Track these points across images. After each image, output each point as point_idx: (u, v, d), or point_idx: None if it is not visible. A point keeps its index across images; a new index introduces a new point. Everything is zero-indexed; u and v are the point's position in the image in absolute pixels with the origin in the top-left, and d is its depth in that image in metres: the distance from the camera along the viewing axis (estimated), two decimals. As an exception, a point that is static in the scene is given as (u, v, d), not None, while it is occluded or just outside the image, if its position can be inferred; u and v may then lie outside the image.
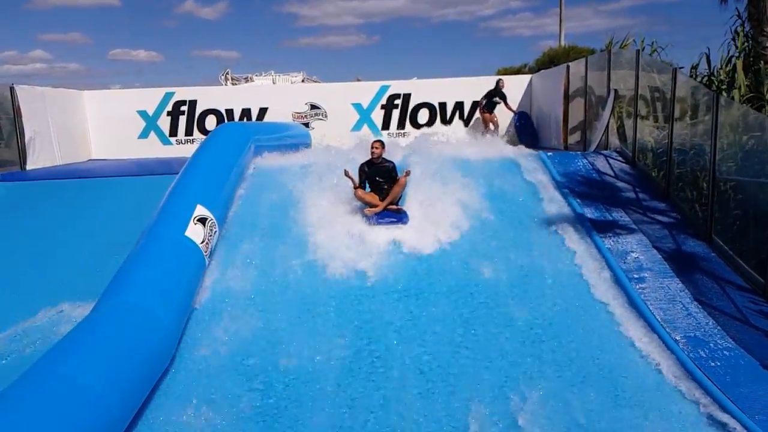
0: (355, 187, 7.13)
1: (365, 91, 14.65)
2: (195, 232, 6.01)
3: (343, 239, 6.72)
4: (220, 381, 4.82)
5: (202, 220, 6.19)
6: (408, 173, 7.31)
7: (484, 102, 13.54)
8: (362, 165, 7.29)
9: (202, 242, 6.03)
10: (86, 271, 6.48)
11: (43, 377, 3.76)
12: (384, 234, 6.86)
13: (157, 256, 5.56)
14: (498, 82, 13.72)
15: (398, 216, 7.09)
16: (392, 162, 7.37)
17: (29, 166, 11.09)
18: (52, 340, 4.75)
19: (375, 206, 7.05)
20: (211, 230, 6.26)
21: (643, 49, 11.55)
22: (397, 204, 7.24)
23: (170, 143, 14.31)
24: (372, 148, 7.23)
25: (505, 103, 13.59)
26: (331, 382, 4.82)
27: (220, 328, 5.46)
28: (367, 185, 7.33)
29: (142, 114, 14.30)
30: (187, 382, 4.81)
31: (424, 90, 14.72)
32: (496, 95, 13.55)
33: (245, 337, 5.34)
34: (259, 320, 5.59)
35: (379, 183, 7.22)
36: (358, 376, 4.88)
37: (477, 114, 14.35)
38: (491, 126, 13.59)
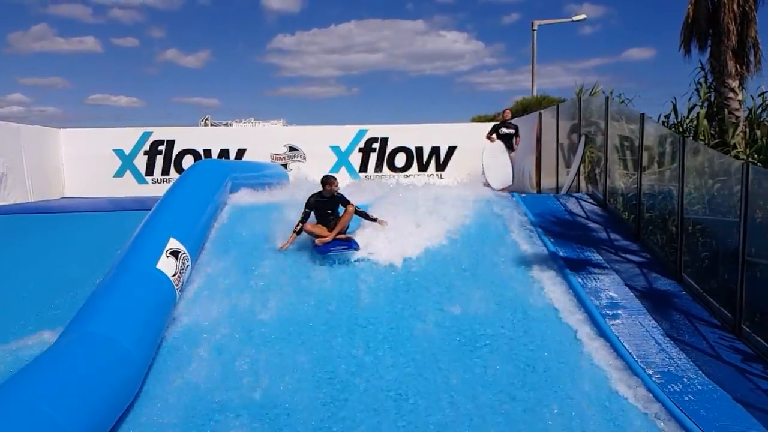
0: (296, 232, 7.13)
1: (343, 134, 14.89)
2: (167, 265, 5.90)
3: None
4: (189, 414, 4.64)
5: (175, 253, 6.09)
6: (383, 222, 7.42)
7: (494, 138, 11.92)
8: (312, 196, 7.26)
9: (174, 275, 5.91)
10: (53, 303, 6.29)
11: (2, 404, 3.62)
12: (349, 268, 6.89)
13: (126, 288, 5.43)
14: (504, 112, 12.39)
15: (348, 243, 7.08)
16: (341, 194, 7.39)
17: (0, 202, 10.86)
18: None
19: (324, 236, 7.06)
20: (183, 263, 6.15)
21: (611, 98, 12.04)
22: (345, 233, 7.26)
23: (146, 182, 14.22)
24: (330, 185, 7.21)
25: (515, 137, 11.91)
26: (300, 412, 4.67)
27: (190, 361, 5.28)
28: (314, 217, 7.31)
29: (119, 153, 14.25)
30: (155, 415, 4.62)
31: (401, 135, 15.02)
32: (504, 127, 11.95)
33: (215, 371, 5.17)
34: (230, 353, 5.43)
35: (327, 215, 7.25)
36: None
37: (452, 159, 14.65)
38: None
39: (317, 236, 7.10)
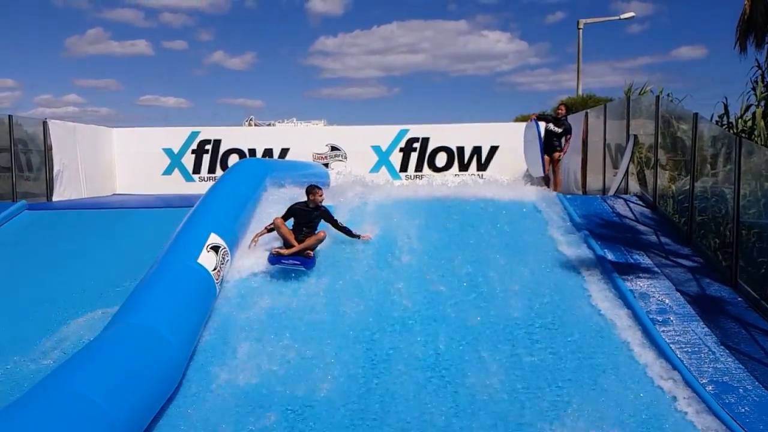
0: (267, 229, 6.95)
1: (385, 134, 14.87)
2: (207, 260, 6.01)
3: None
4: (228, 407, 4.70)
5: (215, 248, 6.20)
6: (366, 237, 7.31)
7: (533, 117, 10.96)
8: (294, 205, 7.07)
9: (214, 269, 6.02)
10: (103, 294, 6.51)
11: (51, 392, 3.75)
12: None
13: (168, 282, 5.56)
14: (558, 107, 11.24)
15: (303, 260, 6.71)
16: (326, 208, 7.19)
17: (55, 198, 11.35)
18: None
19: (290, 247, 6.72)
20: (223, 258, 6.26)
21: (661, 97, 11.61)
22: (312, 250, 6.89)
23: (193, 180, 14.57)
24: (315, 195, 6.98)
25: (565, 137, 10.86)
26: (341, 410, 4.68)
27: (230, 354, 5.36)
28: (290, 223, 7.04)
29: (168, 151, 14.66)
30: (194, 406, 4.70)
31: (442, 134, 14.88)
32: (554, 124, 10.82)
33: (256, 365, 5.22)
34: (272, 349, 5.48)
35: (301, 226, 6.94)
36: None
37: (494, 159, 14.43)
38: (550, 172, 10.83)
39: (284, 242, 6.81)
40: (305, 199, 7.09)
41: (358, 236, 7.32)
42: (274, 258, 6.69)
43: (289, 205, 7.18)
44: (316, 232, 6.97)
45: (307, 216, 7.00)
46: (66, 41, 53.31)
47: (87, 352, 4.35)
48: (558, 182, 11.09)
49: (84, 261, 7.52)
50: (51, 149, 11.32)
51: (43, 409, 3.56)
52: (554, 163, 10.90)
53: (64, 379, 3.93)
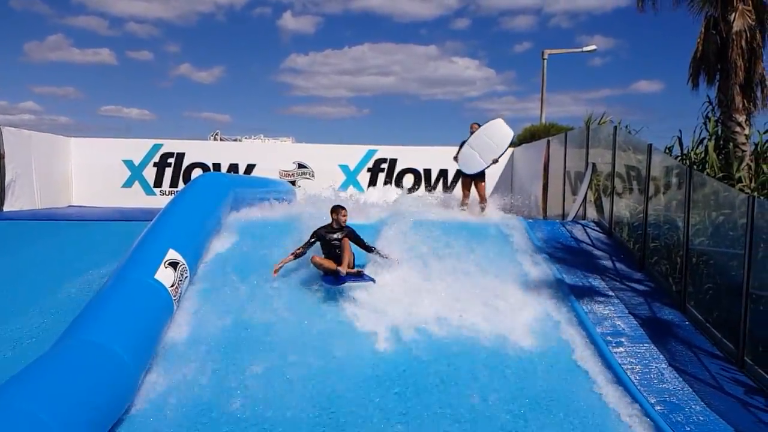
0: (294, 255, 6.74)
1: (352, 153, 14.98)
2: (165, 276, 5.89)
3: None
4: (181, 425, 4.59)
5: (174, 264, 6.08)
6: (397, 260, 6.95)
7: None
8: (319, 230, 6.86)
9: (172, 286, 5.89)
10: (51, 308, 6.29)
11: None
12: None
13: (123, 297, 5.40)
14: (471, 126, 10.70)
15: (361, 277, 6.57)
16: (350, 228, 6.93)
17: (6, 208, 10.96)
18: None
19: (335, 271, 6.49)
20: (182, 275, 6.14)
21: (619, 128, 12.07)
22: (354, 267, 6.70)
23: (154, 194, 14.31)
24: (339, 215, 6.80)
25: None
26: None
27: (186, 372, 5.24)
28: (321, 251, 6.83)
29: (128, 163, 14.38)
30: (148, 425, 4.57)
31: (410, 156, 15.10)
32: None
33: (210, 384, 5.12)
34: (226, 367, 5.38)
35: (332, 250, 6.73)
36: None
37: (460, 182, 14.67)
38: (468, 199, 10.45)
39: (326, 269, 6.59)
40: (326, 222, 6.85)
41: (387, 257, 6.92)
42: (338, 278, 6.44)
43: (312, 233, 6.84)
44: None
45: (335, 238, 6.76)
46: (25, 46, 51.75)
47: (35, 369, 4.18)
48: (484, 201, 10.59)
49: (35, 274, 7.25)
50: (3, 157, 10.96)
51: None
52: (479, 190, 10.55)
53: (11, 396, 3.79)
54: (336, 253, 6.68)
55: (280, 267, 6.76)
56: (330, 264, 6.59)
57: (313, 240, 6.83)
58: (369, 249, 7.01)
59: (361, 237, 7.00)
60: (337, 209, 6.88)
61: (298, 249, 6.80)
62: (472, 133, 10.67)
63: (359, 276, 6.62)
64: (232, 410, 4.82)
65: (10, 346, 5.65)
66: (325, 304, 6.56)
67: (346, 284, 6.55)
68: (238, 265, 7.21)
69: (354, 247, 6.88)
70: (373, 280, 6.64)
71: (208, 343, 5.73)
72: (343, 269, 6.48)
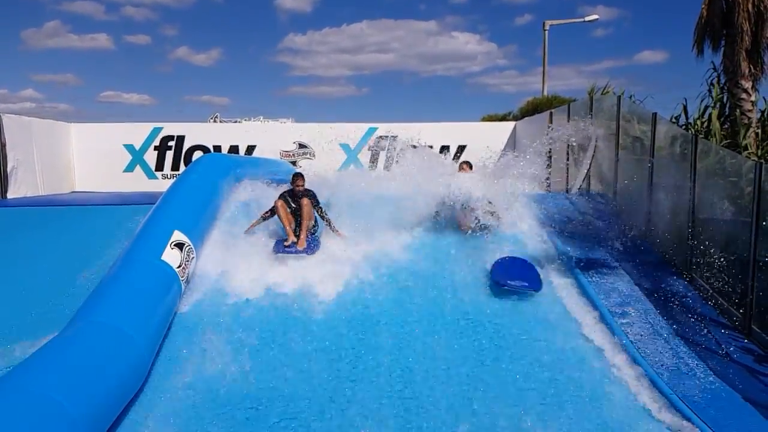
0: (262, 218, 7.35)
1: (353, 132, 14.86)
2: (172, 257, 5.91)
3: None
4: (194, 405, 4.67)
5: (180, 245, 6.09)
6: (342, 235, 7.36)
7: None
8: (283, 193, 7.45)
9: (179, 267, 5.92)
10: (61, 295, 6.30)
11: (10, 392, 3.66)
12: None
13: (131, 279, 5.44)
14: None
15: (306, 248, 7.00)
16: (312, 192, 7.52)
17: (10, 195, 10.96)
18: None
19: (292, 238, 7.05)
20: (188, 255, 6.16)
21: (622, 98, 11.92)
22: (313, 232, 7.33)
23: (156, 177, 14.29)
24: (296, 183, 7.41)
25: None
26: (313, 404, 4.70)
27: (196, 349, 5.29)
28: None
29: (129, 148, 14.33)
30: (159, 404, 4.64)
31: (410, 133, 14.91)
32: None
33: (220, 361, 5.18)
34: (235, 345, 5.43)
35: (296, 210, 7.33)
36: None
37: (462, 157, 14.56)
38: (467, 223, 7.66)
39: (284, 225, 7.13)
40: (290, 188, 7.50)
41: (337, 231, 7.43)
42: (282, 248, 6.95)
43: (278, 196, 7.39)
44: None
45: (297, 200, 7.35)
46: (22, 34, 51.36)
47: (47, 351, 4.24)
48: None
49: (41, 260, 7.28)
50: (5, 145, 10.93)
51: (1, 408, 3.48)
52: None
53: (24, 378, 3.84)
54: (297, 214, 7.30)
55: (251, 228, 7.34)
56: (286, 218, 7.18)
57: (278, 203, 7.33)
58: (323, 218, 7.52)
59: (320, 205, 7.55)
60: (294, 178, 7.50)
61: (266, 212, 7.38)
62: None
63: (305, 249, 7.01)
64: (239, 388, 4.85)
65: (17, 333, 5.65)
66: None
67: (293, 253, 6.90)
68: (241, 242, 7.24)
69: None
70: (313, 251, 7.00)
71: (215, 320, 5.76)
72: (299, 242, 7.00)
